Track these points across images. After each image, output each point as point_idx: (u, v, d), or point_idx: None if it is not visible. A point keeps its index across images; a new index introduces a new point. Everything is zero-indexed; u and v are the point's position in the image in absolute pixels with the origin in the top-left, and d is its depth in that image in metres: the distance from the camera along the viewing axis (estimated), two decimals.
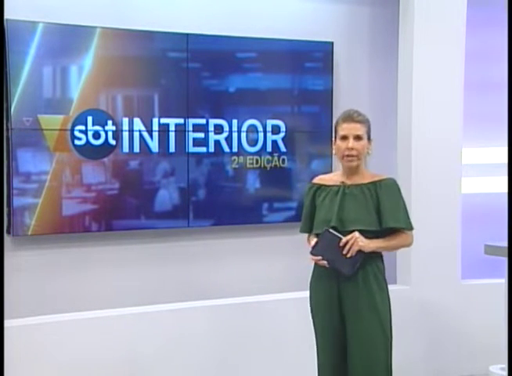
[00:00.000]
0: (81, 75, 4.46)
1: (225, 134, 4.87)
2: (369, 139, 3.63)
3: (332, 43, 5.11)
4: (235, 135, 4.90)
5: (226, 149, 4.88)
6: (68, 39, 4.42)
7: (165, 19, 4.70)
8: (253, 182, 4.98)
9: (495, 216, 5.14)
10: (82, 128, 4.48)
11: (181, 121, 4.74)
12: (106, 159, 4.55)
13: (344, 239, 3.48)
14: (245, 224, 4.98)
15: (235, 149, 4.90)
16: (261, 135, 4.97)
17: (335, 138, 3.66)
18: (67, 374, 4.18)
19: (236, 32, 4.85)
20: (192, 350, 4.48)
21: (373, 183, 3.62)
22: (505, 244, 3.84)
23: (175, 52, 4.73)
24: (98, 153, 4.53)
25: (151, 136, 4.67)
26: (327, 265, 3.52)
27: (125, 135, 4.60)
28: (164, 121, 4.70)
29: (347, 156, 3.58)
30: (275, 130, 5.00)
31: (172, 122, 4.72)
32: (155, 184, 4.70)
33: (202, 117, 4.81)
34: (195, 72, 4.78)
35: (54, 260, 4.51)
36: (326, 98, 5.11)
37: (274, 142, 5.01)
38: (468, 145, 5.27)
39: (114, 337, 4.31)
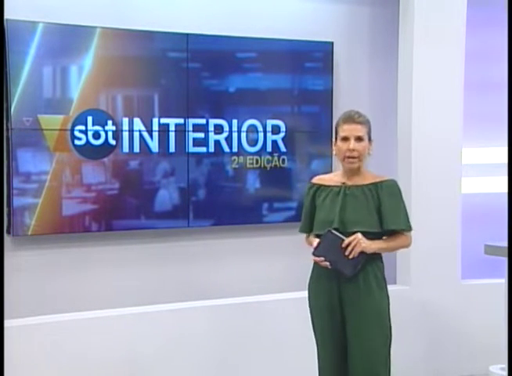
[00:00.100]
0: (81, 75, 4.46)
1: (225, 134, 4.87)
2: (369, 139, 3.63)
3: (332, 43, 5.11)
4: (235, 135, 4.90)
5: (226, 149, 4.88)
6: (68, 39, 4.41)
7: (165, 19, 4.70)
8: (253, 182, 4.97)
9: (495, 216, 5.14)
10: (82, 128, 4.48)
11: (181, 121, 4.74)
12: (106, 159, 4.55)
13: (347, 240, 3.49)
14: (245, 224, 4.98)
15: (235, 149, 4.90)
16: (261, 135, 4.97)
17: (335, 139, 3.66)
18: (67, 374, 4.18)
19: (236, 32, 4.85)
20: (192, 350, 4.48)
21: (374, 184, 3.62)
22: (505, 244, 3.84)
23: (175, 52, 4.73)
24: (98, 153, 4.53)
25: (151, 136, 4.67)
26: (329, 266, 3.52)
27: (125, 135, 4.60)
28: (163, 121, 4.70)
29: (349, 157, 3.59)
30: (275, 130, 5.00)
31: (172, 122, 4.72)
32: (155, 184, 4.70)
33: (202, 117, 4.81)
34: (195, 72, 4.78)
35: (54, 260, 4.51)
36: (326, 98, 5.11)
37: (274, 142, 5.01)
38: (468, 145, 5.27)
39: (114, 337, 4.31)
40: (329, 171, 4.68)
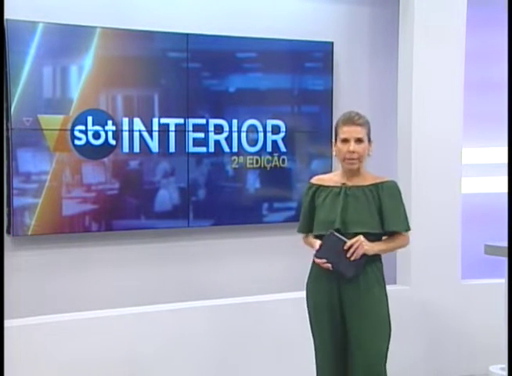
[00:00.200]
0: (81, 75, 4.46)
1: (225, 134, 4.87)
2: (369, 140, 3.64)
3: (332, 43, 5.11)
4: (235, 135, 4.90)
5: (226, 149, 4.88)
6: (68, 39, 4.41)
7: (165, 19, 4.70)
8: (253, 182, 4.97)
9: (495, 216, 5.14)
10: (82, 128, 4.48)
11: (181, 121, 4.74)
12: (106, 159, 4.55)
13: (349, 242, 3.49)
14: (245, 224, 4.98)
15: (235, 149, 4.90)
16: (261, 135, 4.97)
17: (335, 140, 3.66)
18: (67, 374, 4.18)
19: (236, 32, 4.85)
20: (192, 350, 4.48)
21: (375, 185, 3.63)
22: (505, 244, 3.84)
23: (175, 52, 4.73)
24: (98, 153, 4.53)
25: (151, 136, 4.67)
26: (331, 268, 3.53)
27: (125, 135, 4.60)
28: (164, 121, 4.70)
29: (349, 159, 3.59)
30: (275, 130, 5.00)
31: (172, 122, 4.72)
32: (155, 184, 4.70)
33: (202, 117, 4.81)
34: (195, 72, 4.77)
35: (54, 260, 4.51)
36: (326, 98, 5.11)
37: (274, 142, 5.01)
38: (468, 145, 5.27)
39: (114, 337, 4.31)
40: (329, 171, 4.68)
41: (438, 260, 5.04)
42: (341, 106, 4.93)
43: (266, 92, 4.98)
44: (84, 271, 4.59)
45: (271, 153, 5.00)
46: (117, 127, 4.57)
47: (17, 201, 4.33)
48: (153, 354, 4.38)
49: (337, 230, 3.54)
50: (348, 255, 3.49)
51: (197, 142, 4.80)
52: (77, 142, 4.47)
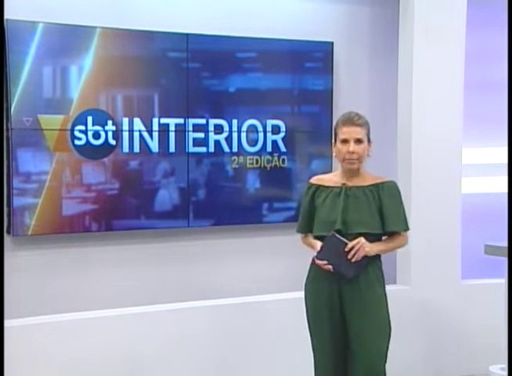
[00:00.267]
0: (81, 75, 4.46)
1: (225, 134, 4.87)
2: (368, 141, 3.64)
3: (332, 43, 5.11)
4: (235, 135, 4.90)
5: (226, 149, 4.88)
6: (68, 39, 4.41)
7: (165, 19, 4.70)
8: (253, 182, 4.97)
9: (495, 216, 5.14)
10: (82, 128, 4.48)
11: (181, 121, 4.74)
12: (106, 159, 4.55)
13: (350, 244, 3.50)
14: (245, 224, 4.98)
15: (235, 149, 4.90)
16: (261, 135, 4.97)
17: (335, 140, 3.66)
18: (67, 374, 4.18)
19: (236, 32, 4.85)
20: (192, 350, 4.48)
21: (375, 186, 3.64)
22: (505, 244, 3.84)
23: (175, 52, 4.73)
24: (98, 153, 4.53)
25: (151, 136, 4.67)
26: (332, 270, 3.53)
27: (125, 135, 4.60)
28: (164, 121, 4.70)
29: (348, 159, 3.59)
30: (275, 130, 5.00)
31: (172, 122, 4.72)
32: (155, 184, 4.70)
33: (202, 117, 4.81)
34: (195, 72, 4.78)
35: (54, 260, 4.51)
36: (326, 98, 5.11)
37: (274, 142, 5.01)
38: (468, 145, 5.27)
39: (114, 337, 4.31)
40: (329, 171, 4.68)
41: (438, 260, 5.04)
42: (341, 106, 4.93)
43: (266, 92, 4.98)
44: (84, 271, 4.59)
45: (271, 153, 5.00)
46: (117, 127, 4.57)
47: (17, 201, 4.33)
48: (153, 354, 4.38)
49: (338, 231, 3.54)
50: (349, 257, 3.50)
51: (197, 142, 4.80)
52: (77, 142, 4.47)
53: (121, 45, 4.58)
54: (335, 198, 3.63)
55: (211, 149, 4.84)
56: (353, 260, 3.50)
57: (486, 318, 5.03)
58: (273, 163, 5.01)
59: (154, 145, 4.68)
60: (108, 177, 4.56)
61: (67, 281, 4.53)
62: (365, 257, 3.52)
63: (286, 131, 5.02)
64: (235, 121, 4.89)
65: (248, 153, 4.94)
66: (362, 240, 3.51)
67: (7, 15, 4.13)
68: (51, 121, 4.39)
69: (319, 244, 3.57)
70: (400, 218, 3.65)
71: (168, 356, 4.42)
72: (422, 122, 5.01)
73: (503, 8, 4.36)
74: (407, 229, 3.69)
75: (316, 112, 5.12)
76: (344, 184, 3.65)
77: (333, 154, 3.71)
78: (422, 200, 4.98)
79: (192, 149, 4.78)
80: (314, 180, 3.76)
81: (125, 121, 4.60)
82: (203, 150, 4.82)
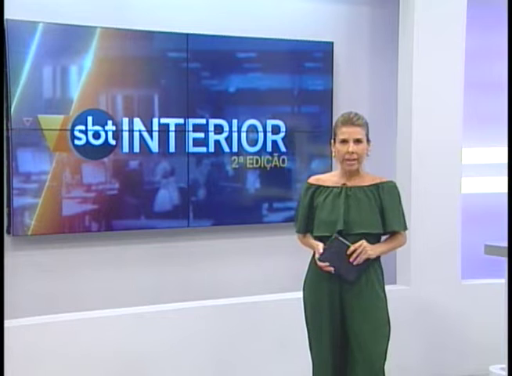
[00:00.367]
0: (81, 75, 4.46)
1: (225, 134, 4.87)
2: (368, 141, 3.64)
3: (332, 43, 5.11)
4: (235, 135, 4.90)
5: (226, 149, 4.88)
6: (68, 39, 4.42)
7: (165, 19, 4.70)
8: (253, 182, 4.98)
9: (495, 216, 5.14)
10: (82, 128, 4.48)
11: (181, 121, 4.74)
12: (106, 159, 4.55)
13: (353, 247, 3.51)
14: (245, 224, 4.98)
15: (235, 149, 4.90)
16: (261, 135, 4.97)
17: (334, 140, 3.66)
18: (67, 373, 4.18)
19: (236, 32, 4.85)
20: (192, 350, 4.48)
21: (375, 186, 3.64)
22: (505, 244, 3.84)
23: (175, 52, 4.73)
24: (98, 153, 4.53)
25: (151, 136, 4.67)
26: (333, 272, 3.53)
27: (125, 135, 4.60)
28: (164, 121, 4.70)
29: (348, 159, 3.59)
30: (275, 130, 5.01)
31: (172, 122, 4.72)
32: (155, 184, 4.70)
33: (202, 117, 4.81)
34: (195, 72, 4.78)
35: (54, 260, 4.51)
36: (326, 98, 5.11)
37: (274, 142, 5.01)
38: (468, 145, 5.27)
39: (114, 337, 4.31)
40: (329, 171, 4.66)
41: (438, 260, 5.04)
42: (341, 106, 4.93)
43: (266, 92, 4.98)
44: (84, 271, 4.60)
45: (271, 153, 5.00)
46: (117, 127, 4.57)
47: (17, 201, 4.33)
48: (153, 354, 4.38)
49: (340, 231, 3.54)
50: (351, 260, 3.50)
51: (197, 142, 4.80)
52: (77, 142, 4.47)
53: (121, 45, 4.58)
54: (335, 198, 3.63)
55: (211, 149, 4.84)
56: (355, 263, 3.50)
57: (486, 318, 5.03)
58: (273, 163, 5.01)
59: (154, 145, 4.68)
60: (108, 177, 4.57)
61: (67, 281, 4.53)
62: (367, 260, 3.53)
63: (286, 131, 5.02)
64: (235, 121, 4.89)
65: (248, 153, 4.94)
66: (364, 243, 3.52)
67: (7, 15, 4.13)
68: (51, 121, 4.39)
69: (320, 246, 3.56)
70: (400, 217, 3.66)
71: (168, 355, 4.42)
72: (422, 122, 5.00)
73: (503, 8, 4.36)
74: (406, 228, 3.71)
75: (316, 112, 5.12)
76: (344, 184, 3.65)
77: (332, 154, 3.71)
78: (422, 200, 4.98)
79: (192, 149, 4.78)
80: (312, 180, 3.75)
81: (125, 121, 4.60)
82: (203, 150, 4.82)
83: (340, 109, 4.72)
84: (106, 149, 4.55)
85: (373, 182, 3.65)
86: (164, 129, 4.70)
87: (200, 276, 4.87)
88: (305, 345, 3.74)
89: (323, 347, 3.63)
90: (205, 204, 4.84)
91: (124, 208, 4.63)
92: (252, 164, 4.96)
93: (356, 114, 3.64)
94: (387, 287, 3.72)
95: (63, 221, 4.45)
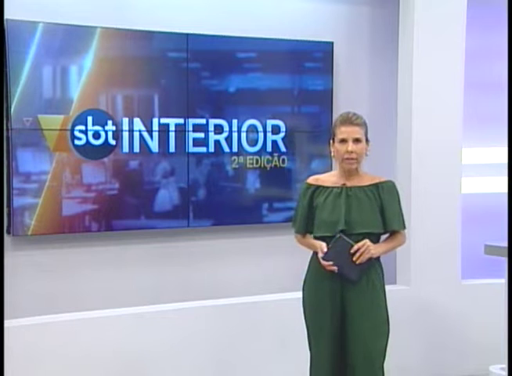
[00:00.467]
0: (81, 75, 4.46)
1: (225, 134, 4.87)
2: (366, 140, 3.64)
3: (332, 43, 5.11)
4: (235, 135, 4.90)
5: (226, 149, 4.88)
6: (68, 39, 4.42)
7: (165, 19, 4.70)
8: (253, 182, 4.98)
9: (495, 216, 5.14)
10: (82, 128, 4.48)
11: (181, 121, 4.74)
12: (106, 159, 4.55)
13: (356, 246, 3.51)
14: (245, 224, 4.98)
15: (235, 149, 4.90)
16: (261, 135, 4.97)
17: (333, 140, 3.67)
18: (67, 373, 4.18)
19: (236, 32, 4.85)
20: (192, 350, 4.48)
21: (375, 185, 3.65)
22: (505, 244, 3.85)
23: (175, 52, 4.73)
24: (98, 153, 4.53)
25: (151, 136, 4.67)
26: (336, 271, 3.53)
27: (125, 135, 4.60)
28: (164, 121, 4.70)
29: (347, 159, 3.59)
30: (275, 130, 5.01)
31: (172, 122, 4.72)
32: (155, 184, 4.70)
33: (202, 117, 4.81)
34: (195, 72, 4.78)
35: (54, 260, 4.51)
36: (326, 98, 5.11)
37: (274, 142, 5.01)
38: (468, 145, 5.27)
39: (114, 337, 4.31)
40: (328, 170, 4.66)
41: (438, 260, 5.04)
42: (341, 106, 4.93)
43: (266, 92, 4.98)
44: (84, 271, 4.60)
45: (271, 153, 5.00)
46: (117, 127, 4.57)
47: (17, 201, 4.33)
48: (153, 354, 4.38)
49: (342, 231, 3.55)
50: (354, 259, 3.51)
51: (197, 142, 4.80)
52: (77, 142, 4.47)
53: (121, 45, 4.58)
54: (336, 198, 3.63)
55: (211, 149, 4.84)
56: (358, 262, 3.51)
57: (486, 318, 5.03)
58: (273, 163, 5.01)
59: (154, 145, 4.68)
60: (108, 177, 4.57)
61: (67, 281, 4.53)
62: (369, 259, 3.54)
63: (286, 131, 5.02)
64: (235, 121, 4.89)
65: (248, 153, 4.94)
66: (367, 242, 3.52)
67: (7, 15, 4.13)
68: (51, 121, 4.39)
69: (324, 245, 3.56)
70: (399, 217, 3.68)
71: (168, 355, 4.42)
72: (422, 122, 5.00)
73: (503, 8, 4.36)
74: (405, 227, 3.73)
75: (316, 112, 5.12)
76: (343, 184, 3.65)
77: (331, 154, 3.71)
78: (422, 200, 4.98)
79: (192, 149, 4.78)
80: (312, 180, 3.75)
81: (125, 121, 4.60)
82: (203, 150, 4.82)
83: (340, 109, 4.72)
84: (106, 149, 4.55)
85: (373, 182, 3.66)
86: (164, 129, 4.70)
87: (200, 276, 4.87)
88: (305, 345, 3.74)
89: (323, 346, 3.63)
90: (205, 204, 4.84)
91: (124, 208, 4.63)
92: (252, 164, 4.96)
93: (355, 114, 3.64)
94: (387, 287, 3.72)
95: (63, 221, 4.45)
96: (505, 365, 4.11)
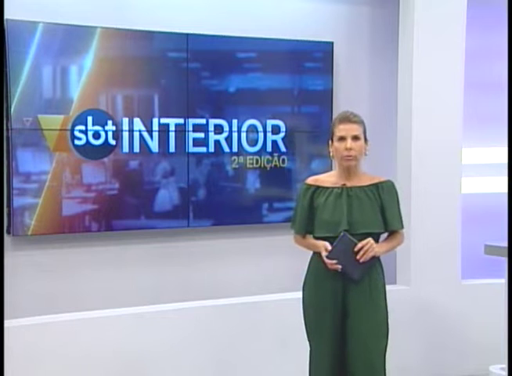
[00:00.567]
0: (81, 75, 4.46)
1: (225, 134, 4.87)
2: (365, 140, 3.65)
3: (332, 43, 5.11)
4: (235, 135, 4.90)
5: (226, 149, 4.88)
6: (68, 39, 4.42)
7: (165, 19, 4.70)
8: (253, 182, 4.98)
9: (495, 216, 5.14)
10: (82, 128, 4.48)
11: (181, 121, 4.74)
12: (106, 159, 4.55)
13: (360, 244, 3.51)
14: (245, 224, 4.98)
15: (235, 149, 4.90)
16: (261, 135, 4.97)
17: (331, 140, 3.67)
18: (67, 373, 4.18)
19: (236, 32, 4.85)
20: (192, 350, 4.48)
21: (375, 185, 3.66)
22: (505, 244, 3.84)
23: (175, 52, 4.73)
24: (98, 153, 4.53)
25: (151, 136, 4.67)
26: (340, 270, 3.53)
27: (125, 135, 4.60)
28: (164, 121, 4.70)
29: (347, 156, 3.60)
30: (275, 130, 5.01)
31: (172, 122, 4.72)
32: (155, 184, 4.70)
33: (202, 117, 4.81)
34: (195, 72, 4.78)
35: (54, 260, 4.51)
36: (326, 98, 5.11)
37: (274, 142, 5.01)
38: (468, 145, 5.27)
39: (114, 337, 4.31)
40: (328, 170, 4.66)
41: (438, 260, 5.04)
42: (341, 106, 4.93)
43: (266, 92, 4.98)
44: (84, 271, 4.60)
45: (271, 153, 5.00)
46: (117, 127, 4.57)
47: (17, 201, 4.33)
48: (153, 354, 4.38)
49: (345, 231, 3.55)
50: (358, 257, 3.51)
51: (197, 142, 4.80)
52: (77, 142, 4.47)
53: (121, 45, 4.58)
54: (337, 199, 3.63)
55: (211, 149, 4.84)
56: (361, 260, 3.51)
57: (486, 318, 5.03)
58: (273, 163, 5.01)
59: (154, 145, 4.68)
60: (108, 177, 4.57)
61: (67, 281, 4.54)
62: (372, 258, 3.54)
63: (286, 131, 5.03)
64: (235, 121, 4.89)
65: (248, 153, 4.94)
66: (371, 240, 3.53)
67: (7, 15, 4.14)
68: (51, 121, 4.40)
69: (327, 244, 3.56)
70: (399, 216, 3.70)
71: (168, 355, 4.42)
72: (422, 122, 5.00)
73: (503, 8, 4.36)
74: (403, 227, 3.73)
75: (316, 112, 5.13)
76: (344, 185, 3.65)
77: (330, 154, 3.71)
78: (422, 200, 4.98)
79: (192, 149, 4.78)
80: (311, 181, 3.74)
81: (125, 121, 4.60)
82: (203, 150, 4.82)
83: (340, 109, 4.71)
84: (106, 149, 4.55)
85: (372, 182, 3.66)
86: (164, 129, 4.70)
87: (200, 276, 4.87)
88: (305, 345, 3.74)
89: (324, 346, 3.63)
90: (205, 204, 4.84)
91: (124, 208, 4.63)
92: (252, 164, 4.96)
93: (352, 113, 3.67)
94: (387, 287, 3.72)
95: (63, 221, 4.45)
96: (505, 365, 4.11)
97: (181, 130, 4.74)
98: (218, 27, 4.81)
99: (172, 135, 4.72)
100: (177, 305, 4.55)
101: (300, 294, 3.75)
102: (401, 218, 3.70)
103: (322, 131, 5.04)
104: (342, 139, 3.60)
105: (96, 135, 4.52)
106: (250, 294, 4.79)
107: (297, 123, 5.08)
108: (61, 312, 4.32)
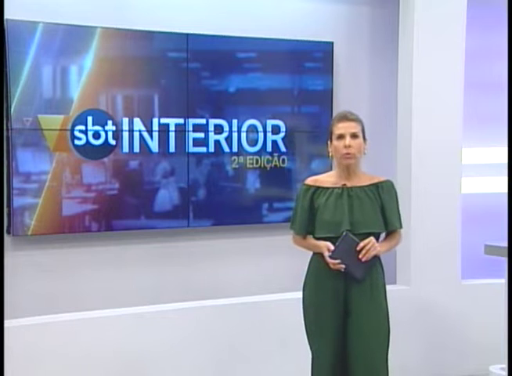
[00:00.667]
0: (81, 75, 4.46)
1: (225, 134, 4.87)
2: (364, 139, 3.65)
3: (332, 43, 5.11)
4: (235, 135, 4.90)
5: (226, 149, 4.88)
6: (68, 39, 4.42)
7: (165, 19, 4.70)
8: (253, 182, 4.98)
9: (495, 216, 5.14)
10: (82, 128, 4.48)
11: (181, 121, 4.74)
12: (106, 159, 4.55)
13: (362, 243, 3.52)
14: (245, 224, 4.98)
15: (235, 149, 4.90)
16: (261, 135, 4.97)
17: (330, 139, 3.67)
18: (67, 373, 4.18)
19: (236, 32, 4.85)
20: (192, 350, 4.48)
21: (375, 185, 3.67)
22: (505, 244, 3.85)
23: (175, 52, 4.73)
24: (98, 153, 4.53)
25: (151, 136, 4.67)
26: (343, 270, 3.53)
27: (125, 135, 4.60)
28: (164, 121, 4.70)
29: (346, 154, 3.60)
30: (275, 130, 5.01)
31: (172, 122, 4.72)
32: (155, 184, 4.70)
33: (202, 117, 4.81)
34: (195, 72, 4.78)
35: (54, 260, 4.51)
36: (326, 98, 5.11)
37: (274, 142, 5.01)
38: (468, 145, 5.27)
39: (114, 337, 4.31)
40: (328, 170, 4.66)
41: (438, 260, 5.04)
42: (341, 106, 4.93)
43: (266, 92, 4.98)
44: (84, 271, 4.60)
45: (271, 153, 5.00)
46: (117, 127, 4.57)
47: (17, 201, 4.33)
48: (153, 354, 4.38)
49: (347, 231, 3.55)
50: (360, 256, 3.51)
51: (197, 142, 4.80)
52: (77, 142, 4.47)
53: (121, 45, 4.58)
54: (338, 199, 3.63)
55: (211, 149, 4.84)
56: (364, 259, 3.51)
57: (486, 318, 5.03)
58: (273, 163, 5.01)
59: (154, 145, 4.68)
60: (108, 177, 4.57)
61: (67, 281, 4.53)
62: (373, 258, 3.55)
63: (286, 131, 5.03)
64: (235, 121, 4.89)
65: (248, 153, 4.94)
66: (372, 239, 3.54)
67: (7, 15, 4.13)
68: (51, 121, 4.39)
69: (329, 244, 3.56)
70: (398, 216, 3.71)
71: (168, 355, 4.42)
72: (422, 122, 5.00)
73: (503, 8, 4.36)
74: (402, 226, 3.74)
75: (316, 112, 5.13)
76: (344, 185, 3.65)
77: (329, 154, 3.70)
78: (422, 200, 4.98)
79: (192, 149, 4.78)
80: (311, 181, 3.73)
81: (125, 121, 4.60)
82: (203, 150, 4.82)
83: (340, 109, 4.70)
84: (106, 149, 4.55)
85: (372, 182, 3.67)
86: (164, 129, 4.70)
87: (200, 276, 4.87)
88: (305, 345, 3.73)
89: (325, 346, 3.62)
90: (205, 204, 4.84)
91: (124, 208, 4.63)
92: (252, 164, 4.96)
93: (350, 111, 3.69)
94: (387, 287, 3.72)
95: (63, 221, 4.45)
96: (505, 365, 4.11)
97: (181, 130, 4.74)
98: (218, 27, 4.81)
99: (172, 135, 4.72)
100: (177, 305, 4.55)
101: (300, 294, 3.74)
102: (400, 217, 3.72)
103: (322, 131, 5.02)
104: (341, 137, 3.61)
105: (96, 135, 4.52)
106: (250, 294, 4.79)
107: (297, 123, 5.08)
108: (61, 312, 4.32)
